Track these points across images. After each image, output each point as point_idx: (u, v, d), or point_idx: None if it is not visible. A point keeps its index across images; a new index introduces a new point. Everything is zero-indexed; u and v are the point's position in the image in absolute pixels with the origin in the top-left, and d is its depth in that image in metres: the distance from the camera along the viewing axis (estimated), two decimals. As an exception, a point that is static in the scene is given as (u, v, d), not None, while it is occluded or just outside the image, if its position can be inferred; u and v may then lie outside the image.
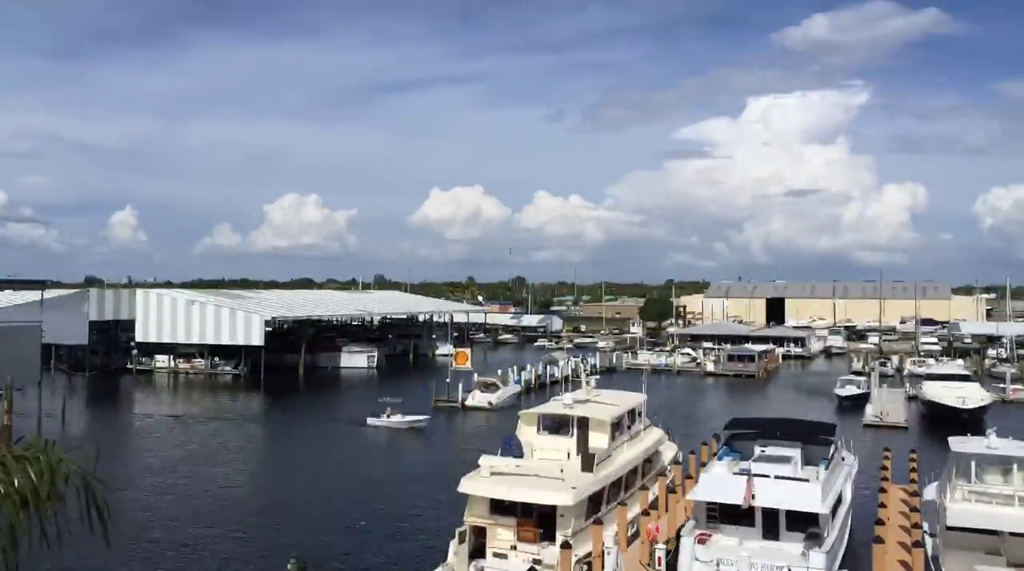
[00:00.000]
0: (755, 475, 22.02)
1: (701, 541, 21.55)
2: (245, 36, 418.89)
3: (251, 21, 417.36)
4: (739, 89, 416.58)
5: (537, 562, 22.59)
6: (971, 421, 48.62)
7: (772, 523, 21.89)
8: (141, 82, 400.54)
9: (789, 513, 21.63)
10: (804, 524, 21.58)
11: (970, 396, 53.75)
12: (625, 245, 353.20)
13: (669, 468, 31.52)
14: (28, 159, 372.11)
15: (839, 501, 23.98)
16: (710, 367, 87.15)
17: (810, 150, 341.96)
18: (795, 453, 24.38)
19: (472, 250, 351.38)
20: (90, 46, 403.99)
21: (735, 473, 23.02)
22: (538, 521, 23.57)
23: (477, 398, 61.02)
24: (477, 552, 23.63)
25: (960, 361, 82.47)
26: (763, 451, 24.95)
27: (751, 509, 21.89)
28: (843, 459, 28.06)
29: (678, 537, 22.91)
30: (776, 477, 22.31)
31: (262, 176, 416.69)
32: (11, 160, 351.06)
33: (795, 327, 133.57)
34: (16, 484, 6.52)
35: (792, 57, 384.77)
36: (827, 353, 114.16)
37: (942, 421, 51.22)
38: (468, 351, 68.52)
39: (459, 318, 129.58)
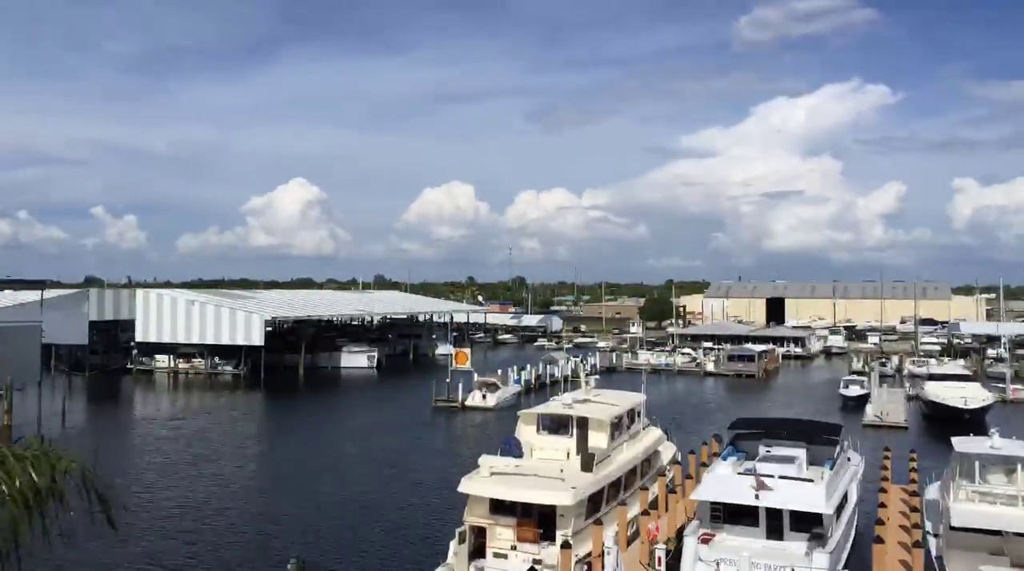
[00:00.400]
0: (760, 475, 21.99)
1: (705, 541, 21.52)
2: (332, 52, 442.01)
3: (342, 40, 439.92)
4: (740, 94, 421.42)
5: (537, 562, 22.53)
6: (972, 421, 48.64)
7: (776, 523, 21.85)
8: (218, 95, 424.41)
9: (793, 513, 21.59)
10: (808, 524, 21.54)
11: (972, 396, 53.74)
12: (620, 246, 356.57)
13: (669, 468, 31.49)
14: (74, 166, 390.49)
15: (844, 501, 23.93)
16: (710, 367, 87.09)
17: (797, 153, 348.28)
18: (800, 453, 24.31)
19: (468, 250, 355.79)
20: (181, 63, 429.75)
21: (740, 473, 22.99)
22: (538, 521, 23.52)
23: (477, 398, 61.00)
24: (477, 552, 23.57)
25: (961, 361, 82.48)
26: (768, 451, 24.89)
27: (755, 509, 21.85)
28: (848, 459, 28.01)
29: (680, 537, 22.87)
30: (781, 477, 22.27)
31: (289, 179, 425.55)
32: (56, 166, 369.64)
33: (795, 327, 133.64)
34: (18, 483, 6.51)
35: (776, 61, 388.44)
36: (827, 353, 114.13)
37: (943, 421, 51.19)
38: (468, 351, 68.49)
39: (459, 318, 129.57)
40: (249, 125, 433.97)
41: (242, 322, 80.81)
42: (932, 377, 61.52)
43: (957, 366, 72.80)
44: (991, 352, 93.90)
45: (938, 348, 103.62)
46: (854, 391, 62.94)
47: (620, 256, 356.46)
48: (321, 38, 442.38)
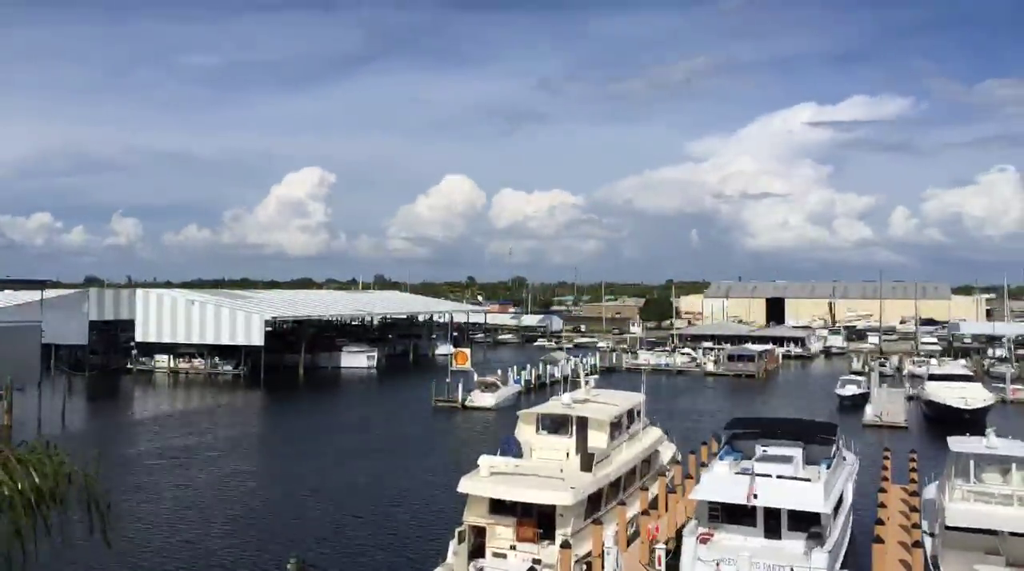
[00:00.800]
0: (757, 475, 22.03)
1: (703, 541, 21.56)
2: (403, 67, 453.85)
3: (416, 55, 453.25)
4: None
5: (537, 562, 22.58)
6: (972, 421, 48.61)
7: (774, 523, 21.89)
8: (281, 106, 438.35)
9: (791, 513, 21.64)
10: (806, 524, 21.59)
11: (973, 396, 53.70)
12: (620, 246, 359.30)
13: (669, 468, 31.53)
14: (116, 172, 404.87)
15: (840, 501, 23.99)
16: (710, 367, 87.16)
17: (792, 159, 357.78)
18: (797, 453, 24.37)
19: (468, 249, 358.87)
20: (256, 77, 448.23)
21: (737, 473, 23.02)
22: (538, 521, 23.57)
23: (477, 398, 61.04)
24: (477, 552, 23.62)
25: (962, 361, 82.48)
26: (765, 451, 24.94)
27: (753, 509, 21.89)
28: (844, 459, 28.08)
29: (679, 537, 22.93)
30: (778, 477, 22.32)
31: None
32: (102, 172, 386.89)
33: (795, 327, 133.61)
34: (20, 486, 6.54)
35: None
36: (827, 353, 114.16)
37: (943, 421, 51.21)
38: (468, 351, 68.51)
39: (459, 318, 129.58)
40: (297, 134, 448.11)
41: (242, 322, 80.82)
42: (932, 377, 61.48)
43: (958, 366, 72.81)
44: (991, 352, 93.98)
45: (938, 348, 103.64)
46: (850, 390, 62.99)
47: (620, 256, 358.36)
48: (398, 56, 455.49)
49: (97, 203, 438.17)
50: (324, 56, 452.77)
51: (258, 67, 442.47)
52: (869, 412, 55.03)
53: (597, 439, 27.62)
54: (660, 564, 22.15)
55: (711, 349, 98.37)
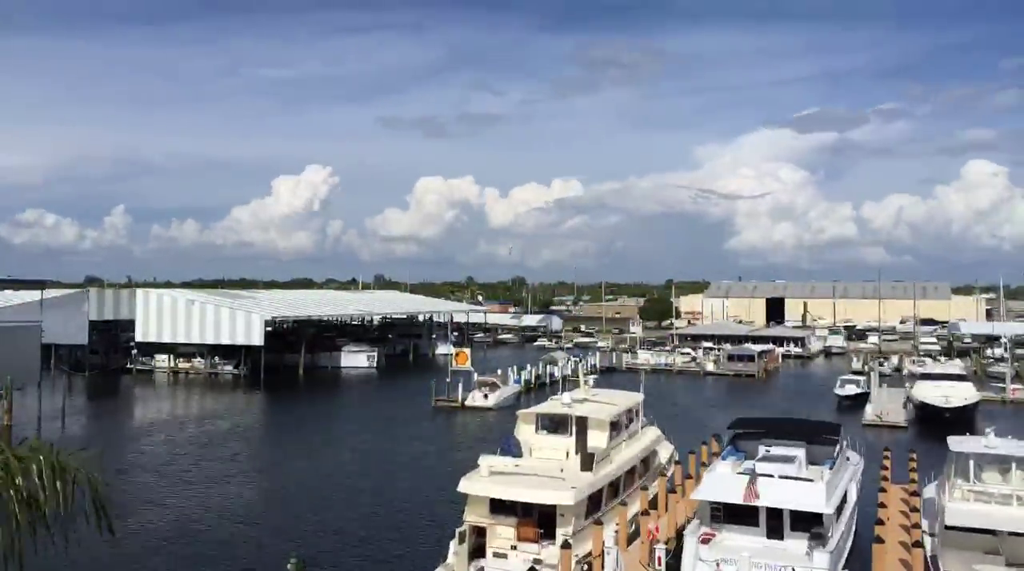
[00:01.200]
0: (759, 475, 22.01)
1: (705, 541, 21.53)
2: (450, 78, 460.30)
3: (476, 70, 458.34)
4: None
5: (537, 562, 22.56)
6: (954, 420, 48.75)
7: (776, 523, 21.86)
8: (328, 116, 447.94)
9: (793, 513, 21.61)
10: (808, 524, 21.56)
11: (955, 395, 53.83)
12: (619, 246, 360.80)
13: (669, 467, 31.52)
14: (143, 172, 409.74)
15: (844, 501, 23.95)
16: (710, 367, 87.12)
17: (781, 164, 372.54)
18: (800, 453, 24.31)
19: (467, 248, 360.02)
20: (319, 89, 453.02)
21: (739, 473, 22.99)
22: (538, 521, 23.56)
23: (477, 398, 61.02)
24: (477, 552, 23.61)
25: (959, 361, 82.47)
26: (768, 451, 24.89)
27: (755, 509, 21.87)
28: (848, 459, 28.05)
29: (680, 537, 22.91)
30: (780, 477, 22.29)
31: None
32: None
33: (795, 327, 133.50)
34: (19, 485, 6.53)
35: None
36: (827, 353, 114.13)
37: (928, 420, 51.44)
38: (468, 351, 68.47)
39: (459, 318, 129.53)
40: (333, 139, 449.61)
41: (242, 322, 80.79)
42: (924, 377, 61.58)
43: (953, 366, 72.76)
44: (991, 352, 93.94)
45: (938, 348, 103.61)
46: (849, 390, 62.98)
47: (619, 256, 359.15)
48: (465, 71, 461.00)
49: (103, 204, 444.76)
50: (375, 71, 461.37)
51: (323, 81, 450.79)
52: (869, 412, 55.07)
53: (597, 439, 27.61)
54: (660, 564, 22.13)
55: (711, 349, 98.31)
